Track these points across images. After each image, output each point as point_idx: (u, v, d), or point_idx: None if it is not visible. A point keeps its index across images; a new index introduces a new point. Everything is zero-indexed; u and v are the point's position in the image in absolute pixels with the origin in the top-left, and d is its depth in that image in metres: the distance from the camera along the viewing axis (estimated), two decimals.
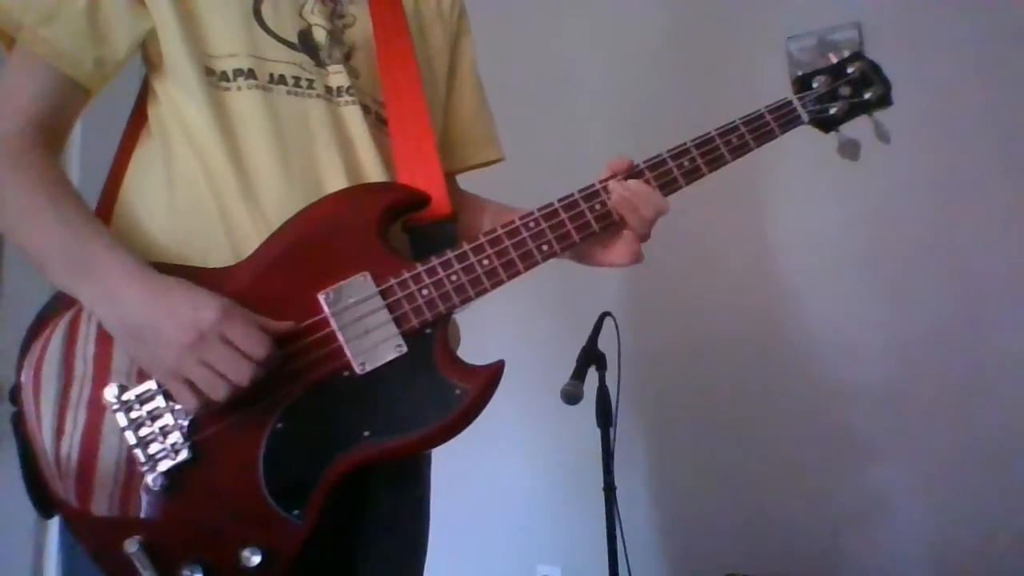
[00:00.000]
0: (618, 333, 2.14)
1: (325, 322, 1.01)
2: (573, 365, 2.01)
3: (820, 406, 2.36)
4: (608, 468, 2.05)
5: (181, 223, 1.06)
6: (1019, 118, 2.21)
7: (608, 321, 2.14)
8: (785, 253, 2.49)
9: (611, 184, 1.13)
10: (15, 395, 0.99)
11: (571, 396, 1.91)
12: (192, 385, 0.93)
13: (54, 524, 1.04)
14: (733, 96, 2.43)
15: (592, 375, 2.03)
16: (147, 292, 0.94)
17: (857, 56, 1.24)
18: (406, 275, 1.04)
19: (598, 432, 2.06)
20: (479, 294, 1.07)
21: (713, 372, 2.50)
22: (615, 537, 2.02)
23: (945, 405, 2.22)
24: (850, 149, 1.23)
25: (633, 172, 1.14)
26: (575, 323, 2.16)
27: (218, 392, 0.92)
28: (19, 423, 0.98)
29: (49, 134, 1.05)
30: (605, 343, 2.09)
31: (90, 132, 2.22)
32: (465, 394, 1.02)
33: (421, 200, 1.11)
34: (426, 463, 1.27)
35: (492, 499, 2.78)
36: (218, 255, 1.04)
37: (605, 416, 2.07)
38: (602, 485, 2.04)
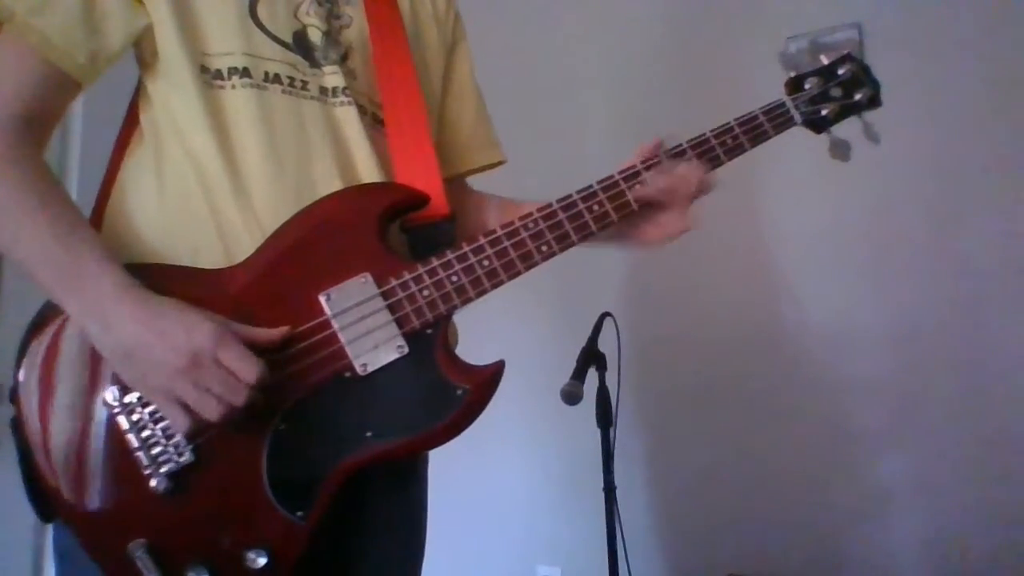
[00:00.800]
0: (618, 333, 2.14)
1: (326, 324, 1.01)
2: (573, 365, 2.00)
3: (820, 407, 2.37)
4: (608, 468, 2.04)
5: (171, 222, 1.06)
6: (1018, 117, 2.21)
7: (608, 321, 2.13)
8: (785, 253, 2.49)
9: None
10: (14, 396, 0.98)
11: (571, 396, 1.91)
12: (184, 406, 0.92)
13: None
14: (732, 96, 2.43)
15: (592, 375, 2.03)
16: (138, 312, 0.93)
17: (848, 58, 1.25)
18: (407, 276, 1.04)
19: (598, 432, 2.06)
20: (479, 294, 1.07)
21: (713, 372, 2.50)
22: (615, 537, 2.01)
23: (945, 403, 2.22)
24: (841, 150, 1.25)
25: (631, 173, 1.15)
26: (575, 323, 2.15)
27: (212, 413, 0.92)
28: (18, 425, 0.97)
29: (36, 127, 1.03)
30: (605, 343, 2.09)
31: (90, 133, 2.25)
32: (466, 394, 1.03)
33: (420, 200, 1.11)
34: (423, 462, 1.27)
35: (492, 499, 2.78)
36: (208, 255, 1.04)
37: (605, 416, 2.07)
38: (602, 485, 2.04)
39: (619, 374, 2.11)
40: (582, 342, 2.07)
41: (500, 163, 1.41)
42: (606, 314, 2.15)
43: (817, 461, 2.35)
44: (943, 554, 2.18)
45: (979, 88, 2.26)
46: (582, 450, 2.14)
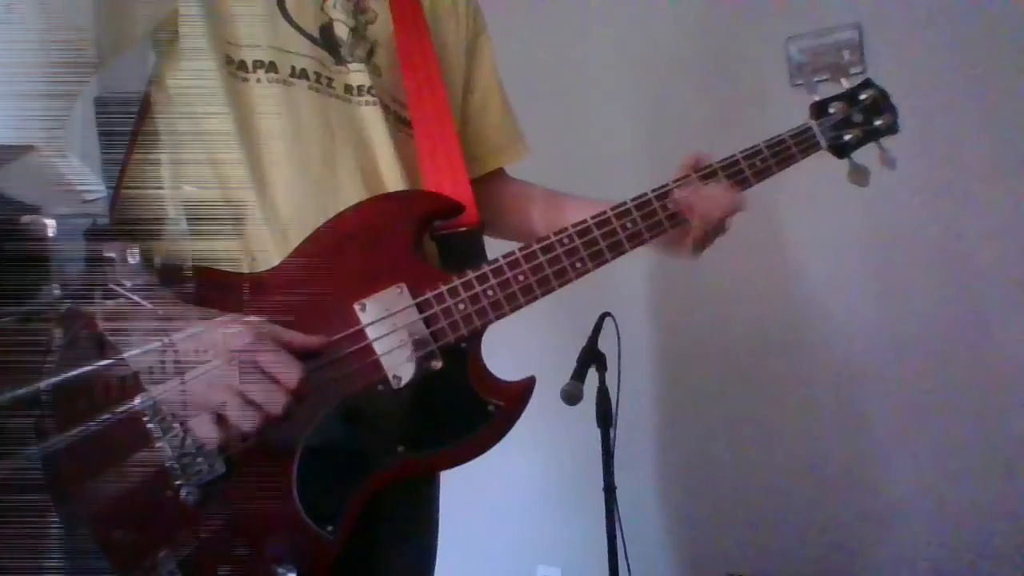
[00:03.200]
0: (618, 333, 2.13)
1: (361, 334, 0.99)
2: (573, 365, 2.00)
3: (821, 407, 2.38)
4: (608, 469, 2.04)
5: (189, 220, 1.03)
6: (1019, 117, 2.22)
7: (608, 321, 2.13)
8: (788, 253, 2.50)
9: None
10: (39, 400, 0.95)
11: (571, 396, 1.90)
12: (220, 418, 0.90)
13: None
14: (732, 95, 2.44)
15: (592, 375, 2.02)
16: (168, 325, 0.91)
17: (869, 83, 1.28)
18: (442, 288, 1.03)
19: (598, 432, 2.05)
20: (514, 309, 1.07)
21: (713, 373, 2.51)
22: (615, 538, 2.01)
23: (949, 405, 2.23)
24: (860, 176, 1.27)
25: (663, 191, 1.15)
26: (575, 323, 2.14)
27: (249, 423, 0.90)
28: (44, 430, 0.93)
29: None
30: (605, 343, 2.08)
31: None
32: (498, 411, 1.04)
33: (456, 209, 1.10)
34: None
35: (492, 499, 2.77)
36: (227, 252, 1.02)
37: (605, 417, 2.07)
38: (602, 485, 2.04)
39: (619, 374, 2.10)
40: (582, 342, 2.06)
41: (524, 156, 1.42)
42: (606, 314, 2.14)
43: (818, 461, 2.37)
44: (946, 554, 2.20)
45: (980, 88, 2.26)
46: (582, 450, 2.14)
